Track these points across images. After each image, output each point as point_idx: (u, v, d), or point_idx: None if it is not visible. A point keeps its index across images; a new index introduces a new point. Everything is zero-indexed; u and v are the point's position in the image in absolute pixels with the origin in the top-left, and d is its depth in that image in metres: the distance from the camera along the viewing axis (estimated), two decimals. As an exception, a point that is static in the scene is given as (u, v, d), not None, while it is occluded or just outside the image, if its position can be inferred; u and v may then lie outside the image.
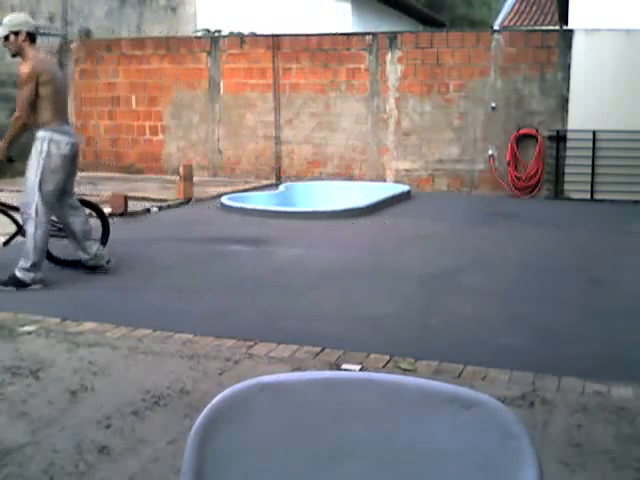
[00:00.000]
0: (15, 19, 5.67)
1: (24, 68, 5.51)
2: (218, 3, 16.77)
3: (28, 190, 5.65)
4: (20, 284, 5.56)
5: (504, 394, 3.56)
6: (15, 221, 6.26)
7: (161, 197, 10.13)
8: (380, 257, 6.99)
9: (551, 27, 18.32)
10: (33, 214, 5.57)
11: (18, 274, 5.57)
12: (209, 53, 12.55)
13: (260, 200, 10.06)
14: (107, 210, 8.80)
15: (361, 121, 11.82)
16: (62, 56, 13.25)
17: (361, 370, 3.95)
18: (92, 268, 6.06)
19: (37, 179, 5.60)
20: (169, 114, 12.83)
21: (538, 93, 11.00)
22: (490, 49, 11.15)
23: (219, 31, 14.08)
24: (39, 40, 5.96)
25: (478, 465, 1.33)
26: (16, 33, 5.53)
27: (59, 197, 5.75)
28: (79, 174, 13.27)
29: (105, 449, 3.05)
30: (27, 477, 2.84)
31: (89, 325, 4.72)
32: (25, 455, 3.00)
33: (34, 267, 5.58)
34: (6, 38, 5.58)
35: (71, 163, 5.74)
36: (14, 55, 5.70)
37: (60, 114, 5.72)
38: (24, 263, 5.58)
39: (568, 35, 10.89)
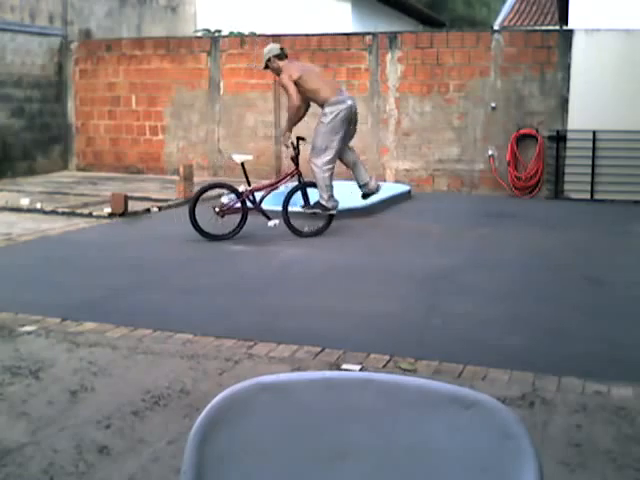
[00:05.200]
0: (265, 51, 7.80)
1: (283, 79, 7.63)
2: (218, 3, 16.76)
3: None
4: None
5: (504, 394, 3.57)
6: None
7: (161, 197, 10.13)
8: (380, 257, 6.98)
9: (551, 27, 18.32)
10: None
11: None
12: (209, 53, 12.55)
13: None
14: (107, 210, 8.82)
15: (361, 121, 11.80)
16: (62, 56, 13.25)
17: (361, 370, 3.95)
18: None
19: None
20: (169, 114, 12.83)
21: (538, 93, 11.00)
22: (490, 49, 11.15)
23: (219, 31, 14.08)
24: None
25: (478, 465, 1.33)
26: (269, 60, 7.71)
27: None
28: (79, 174, 13.23)
29: (105, 449, 3.05)
30: (27, 477, 2.84)
31: (89, 325, 4.72)
32: (25, 455, 3.00)
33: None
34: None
35: (346, 123, 7.76)
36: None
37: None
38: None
39: (568, 35, 10.89)
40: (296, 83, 7.51)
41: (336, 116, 7.51)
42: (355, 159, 8.02)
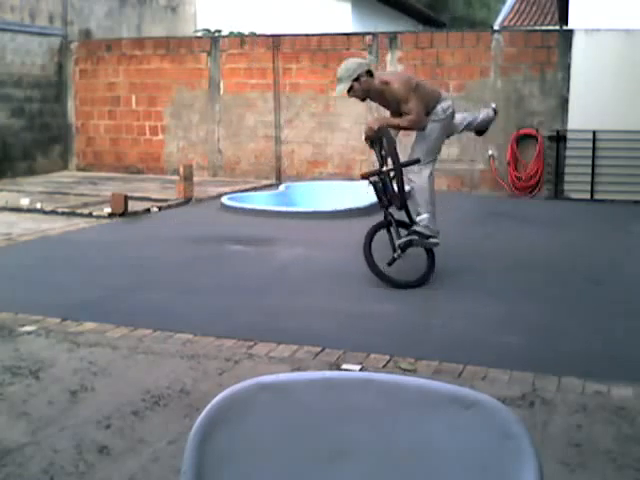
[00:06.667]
0: (350, 68, 5.75)
1: (395, 89, 5.78)
2: (218, 3, 16.76)
3: None
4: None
5: (504, 394, 3.57)
6: None
7: (161, 197, 10.14)
8: (378, 257, 6.97)
9: (551, 27, 18.31)
10: None
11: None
12: (209, 53, 12.55)
13: (260, 200, 10.06)
14: (107, 210, 8.82)
15: (361, 121, 11.80)
16: (62, 56, 13.25)
17: (361, 370, 3.95)
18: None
19: None
20: (169, 114, 12.83)
21: (538, 93, 11.00)
22: (490, 49, 11.15)
23: (219, 31, 14.08)
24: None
25: (478, 465, 1.33)
26: (357, 79, 5.72)
27: None
28: (79, 174, 13.22)
29: (105, 449, 3.05)
30: (27, 477, 2.84)
31: (89, 325, 4.73)
32: (25, 455, 3.00)
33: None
34: (351, 89, 5.76)
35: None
36: (364, 99, 5.97)
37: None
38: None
39: (568, 35, 10.89)
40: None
41: (451, 113, 6.03)
42: (470, 118, 6.60)
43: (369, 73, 5.76)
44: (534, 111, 11.04)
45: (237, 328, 4.71)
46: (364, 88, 5.75)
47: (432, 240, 5.91)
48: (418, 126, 5.85)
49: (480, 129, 6.60)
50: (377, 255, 5.81)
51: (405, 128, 6.01)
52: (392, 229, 5.94)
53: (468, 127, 6.52)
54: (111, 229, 8.25)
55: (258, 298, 5.48)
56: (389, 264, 5.80)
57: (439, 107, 5.95)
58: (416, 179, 5.88)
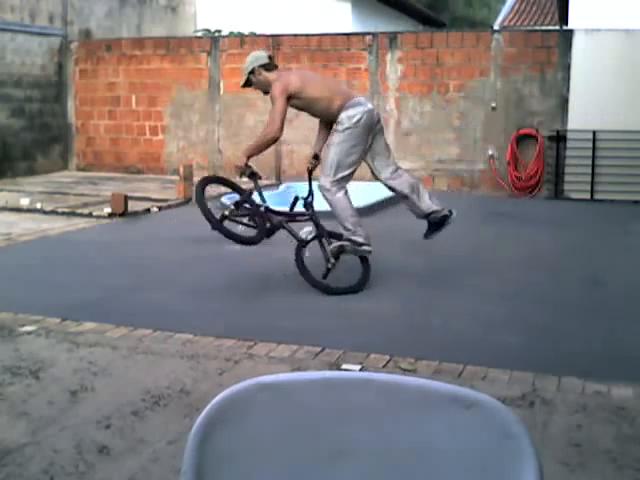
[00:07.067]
0: (247, 61, 5.79)
1: (272, 87, 5.61)
2: (218, 3, 16.76)
3: None
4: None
5: (504, 394, 3.57)
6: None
7: (161, 197, 10.14)
8: (379, 257, 6.97)
9: (551, 27, 18.32)
10: None
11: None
12: (209, 53, 12.55)
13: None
14: (107, 210, 8.82)
15: (361, 121, 11.82)
16: (62, 56, 13.25)
17: (361, 370, 3.95)
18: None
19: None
20: (169, 114, 12.83)
21: (538, 93, 11.00)
22: (490, 49, 11.15)
23: (219, 31, 14.08)
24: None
25: (478, 465, 1.33)
26: (253, 72, 5.71)
27: None
28: (79, 174, 13.20)
29: (105, 449, 3.05)
30: (27, 477, 2.84)
31: (89, 325, 4.73)
32: (25, 455, 3.00)
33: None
34: (249, 82, 5.79)
35: (367, 132, 5.70)
36: (266, 92, 5.78)
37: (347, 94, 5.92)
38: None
39: (568, 35, 10.89)
40: (298, 97, 5.62)
41: (357, 122, 5.55)
42: (410, 185, 5.82)
43: (265, 67, 5.68)
44: (534, 111, 11.04)
45: (237, 328, 4.71)
46: (260, 82, 5.70)
47: (365, 247, 5.71)
48: (273, 135, 5.52)
49: (427, 219, 5.96)
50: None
51: (264, 144, 5.64)
52: (323, 240, 5.81)
53: (398, 190, 5.89)
54: (111, 229, 8.25)
55: (258, 298, 5.48)
56: (324, 277, 5.64)
57: (343, 115, 5.58)
58: (329, 196, 5.71)
